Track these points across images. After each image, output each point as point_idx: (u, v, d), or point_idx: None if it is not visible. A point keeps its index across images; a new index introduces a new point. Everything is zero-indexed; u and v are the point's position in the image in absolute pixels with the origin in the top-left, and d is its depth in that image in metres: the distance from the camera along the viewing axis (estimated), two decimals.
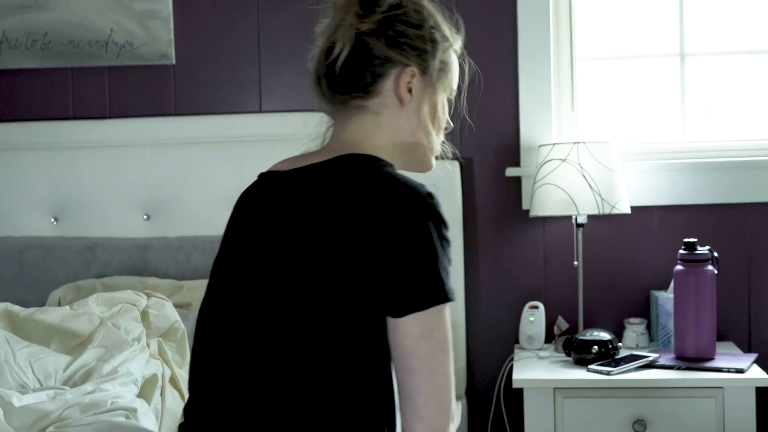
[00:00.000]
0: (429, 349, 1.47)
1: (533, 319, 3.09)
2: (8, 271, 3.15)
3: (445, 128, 1.73)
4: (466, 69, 1.78)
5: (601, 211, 2.89)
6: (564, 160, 2.93)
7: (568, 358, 2.92)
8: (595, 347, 2.82)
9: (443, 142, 1.74)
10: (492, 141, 3.21)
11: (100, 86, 3.34)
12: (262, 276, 1.54)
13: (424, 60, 1.64)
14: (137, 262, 3.14)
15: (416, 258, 1.46)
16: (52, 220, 3.29)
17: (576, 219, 3.02)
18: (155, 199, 3.24)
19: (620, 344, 2.92)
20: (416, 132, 1.66)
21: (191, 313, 2.73)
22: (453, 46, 1.70)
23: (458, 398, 3.11)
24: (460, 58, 1.74)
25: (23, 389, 2.17)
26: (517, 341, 3.18)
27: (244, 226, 1.63)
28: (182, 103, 3.31)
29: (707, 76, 3.29)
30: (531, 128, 3.17)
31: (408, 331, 1.47)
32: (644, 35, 3.30)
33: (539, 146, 3.05)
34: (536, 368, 2.84)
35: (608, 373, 2.69)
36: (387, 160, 1.61)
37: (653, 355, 2.81)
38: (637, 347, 3.05)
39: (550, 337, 3.17)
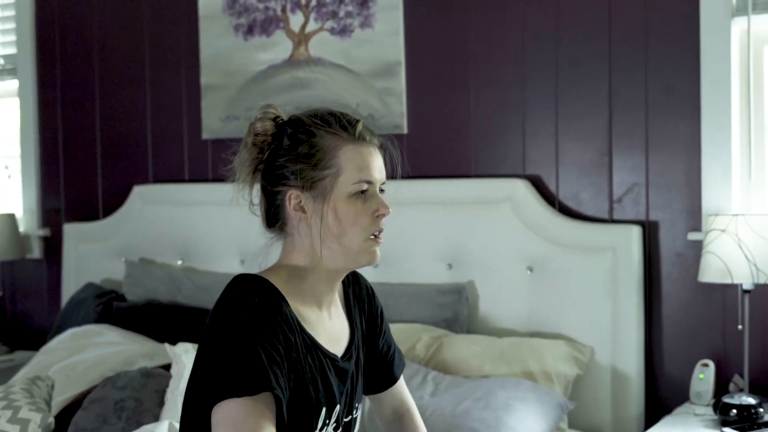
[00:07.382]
0: None
1: (702, 376, 3.28)
2: None
3: (376, 215, 1.82)
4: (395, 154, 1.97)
5: (756, 281, 3.05)
6: (723, 231, 3.11)
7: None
8: (734, 411, 2.99)
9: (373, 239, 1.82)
10: (678, 205, 3.43)
11: None
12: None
13: (303, 178, 1.79)
14: None
15: (211, 356, 1.68)
16: None
17: (741, 285, 3.18)
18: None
19: None
20: (329, 239, 1.80)
21: None
22: (341, 145, 1.82)
23: None
24: (366, 142, 1.89)
25: None
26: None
27: None
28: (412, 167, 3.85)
29: None
30: (710, 194, 3.36)
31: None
32: None
33: (708, 216, 3.25)
34: (679, 425, 3.06)
35: None
36: (288, 273, 1.82)
37: None
38: None
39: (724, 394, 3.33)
